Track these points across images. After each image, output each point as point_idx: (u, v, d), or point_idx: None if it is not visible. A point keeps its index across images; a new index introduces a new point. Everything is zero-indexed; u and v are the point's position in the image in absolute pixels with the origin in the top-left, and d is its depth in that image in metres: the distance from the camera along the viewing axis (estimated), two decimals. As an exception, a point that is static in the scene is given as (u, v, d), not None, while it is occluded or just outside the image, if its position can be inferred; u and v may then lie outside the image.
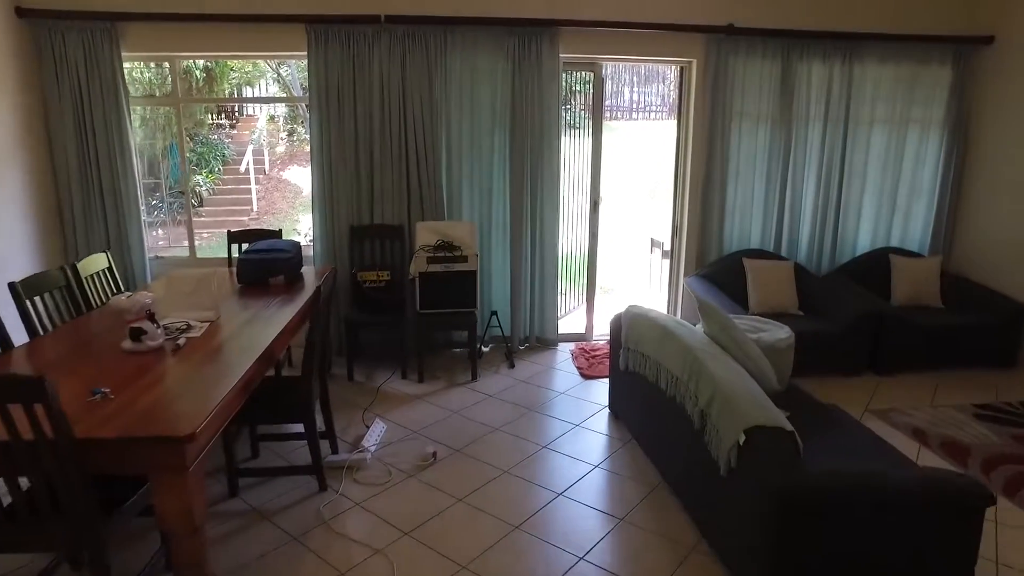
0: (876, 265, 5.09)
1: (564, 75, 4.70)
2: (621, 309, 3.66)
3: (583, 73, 4.87)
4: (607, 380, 4.27)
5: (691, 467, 2.69)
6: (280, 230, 4.56)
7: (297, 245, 3.99)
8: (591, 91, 4.85)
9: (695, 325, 3.31)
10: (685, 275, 5.09)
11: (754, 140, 4.89)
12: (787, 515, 2.06)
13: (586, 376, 4.46)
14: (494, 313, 4.78)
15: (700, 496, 2.63)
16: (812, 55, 4.77)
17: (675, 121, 5.07)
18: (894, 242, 5.29)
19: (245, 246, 4.09)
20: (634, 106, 13.67)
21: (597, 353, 4.85)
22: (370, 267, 4.48)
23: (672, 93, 14.62)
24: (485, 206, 4.73)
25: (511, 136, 4.60)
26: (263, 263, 3.72)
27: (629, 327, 3.37)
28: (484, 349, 4.90)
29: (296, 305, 3.27)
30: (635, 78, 13.48)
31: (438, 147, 4.53)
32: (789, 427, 2.21)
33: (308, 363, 2.91)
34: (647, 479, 3.13)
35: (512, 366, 4.63)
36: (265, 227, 5.21)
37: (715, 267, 4.91)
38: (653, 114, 13.98)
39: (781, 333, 3.26)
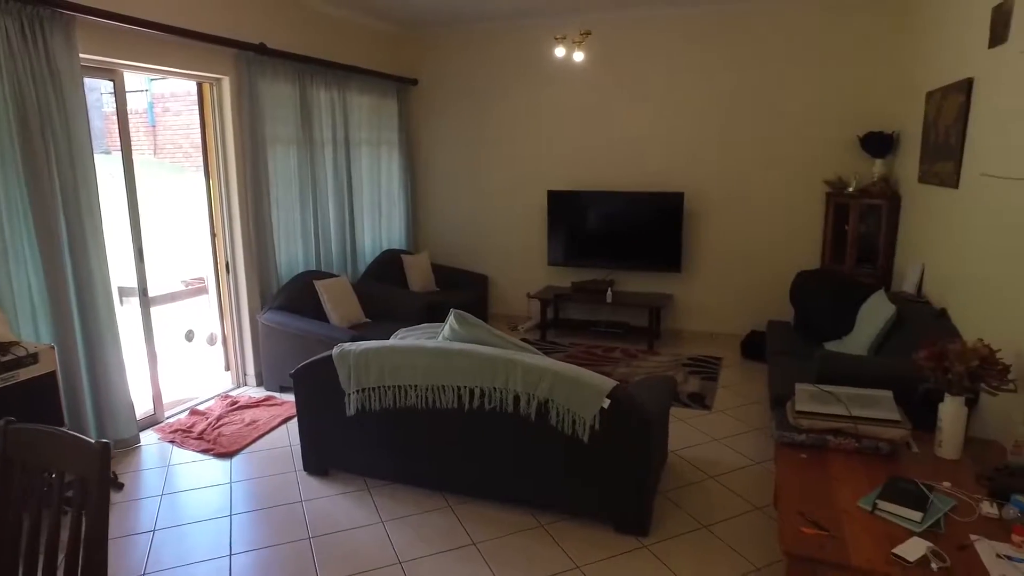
0: (389, 264, 5.90)
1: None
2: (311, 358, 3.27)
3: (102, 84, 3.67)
4: (255, 448, 3.73)
5: (529, 460, 2.89)
6: None
7: None
8: (114, 108, 3.72)
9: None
10: (254, 313, 4.63)
11: (288, 165, 4.82)
12: (653, 428, 2.77)
13: (228, 454, 3.64)
14: (59, 427, 3.23)
15: (546, 479, 2.89)
16: (319, 82, 5.03)
17: (202, 149, 4.43)
18: (385, 244, 6.20)
19: None
20: None
21: (201, 427, 3.94)
22: None
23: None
24: (3, 279, 3.08)
25: (28, 171, 3.13)
26: None
27: (361, 366, 3.09)
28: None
29: None
30: None
31: None
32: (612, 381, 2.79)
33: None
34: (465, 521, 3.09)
35: (121, 486, 3.31)
36: None
37: (284, 297, 4.67)
38: None
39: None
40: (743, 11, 5.23)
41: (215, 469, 3.49)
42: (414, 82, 6.26)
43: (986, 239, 3.02)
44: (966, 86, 3.32)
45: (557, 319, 6.18)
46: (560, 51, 4.55)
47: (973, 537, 1.96)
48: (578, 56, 4.63)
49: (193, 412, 4.19)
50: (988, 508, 2.10)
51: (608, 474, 2.78)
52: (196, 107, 4.39)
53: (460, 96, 6.24)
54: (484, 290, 6.39)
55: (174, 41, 3.84)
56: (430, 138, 6.47)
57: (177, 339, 5.72)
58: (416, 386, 3.03)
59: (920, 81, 4.30)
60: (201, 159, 4.48)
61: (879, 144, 4.83)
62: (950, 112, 3.53)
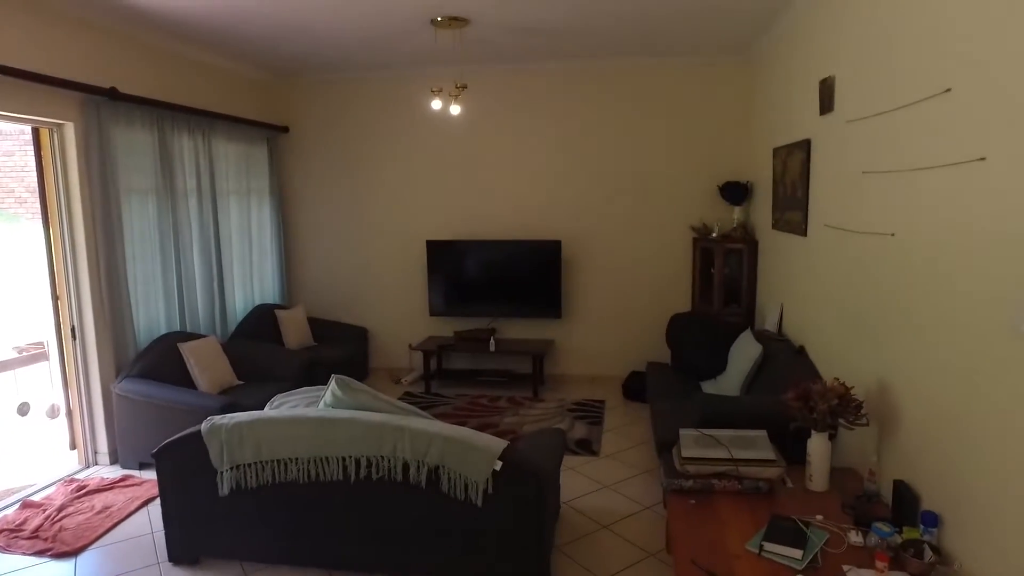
0: (262, 321, 5.54)
1: None
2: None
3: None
4: (108, 540, 3.31)
5: (422, 528, 2.75)
6: None
7: None
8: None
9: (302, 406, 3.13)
10: (107, 382, 4.14)
11: (145, 216, 4.43)
12: (546, 485, 2.74)
13: (71, 553, 3.16)
14: None
15: (441, 547, 2.76)
16: (181, 128, 4.70)
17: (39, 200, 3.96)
18: (257, 299, 5.83)
19: None
20: None
21: (36, 522, 3.41)
22: None
23: None
24: None
25: None
26: None
27: (234, 441, 2.82)
28: None
29: None
30: None
31: None
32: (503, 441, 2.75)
33: None
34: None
35: (-73, 606, 2.77)
36: None
37: (143, 363, 4.22)
38: None
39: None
40: (611, 69, 5.55)
41: (54, 574, 3.01)
42: (285, 130, 6.04)
43: (831, 283, 3.34)
44: (806, 146, 3.69)
45: (441, 370, 6.06)
46: (437, 104, 4.57)
47: (845, 567, 2.09)
48: (455, 109, 4.69)
49: (25, 505, 3.62)
50: (855, 537, 2.26)
51: (504, 536, 2.71)
52: (31, 148, 3.93)
53: (335, 145, 6.09)
54: (364, 343, 6.16)
55: (2, 81, 3.43)
56: (303, 187, 6.24)
57: (8, 414, 5.00)
58: (297, 459, 2.81)
59: (768, 138, 4.75)
60: (39, 207, 4.01)
61: (736, 193, 5.26)
62: (795, 167, 3.91)
